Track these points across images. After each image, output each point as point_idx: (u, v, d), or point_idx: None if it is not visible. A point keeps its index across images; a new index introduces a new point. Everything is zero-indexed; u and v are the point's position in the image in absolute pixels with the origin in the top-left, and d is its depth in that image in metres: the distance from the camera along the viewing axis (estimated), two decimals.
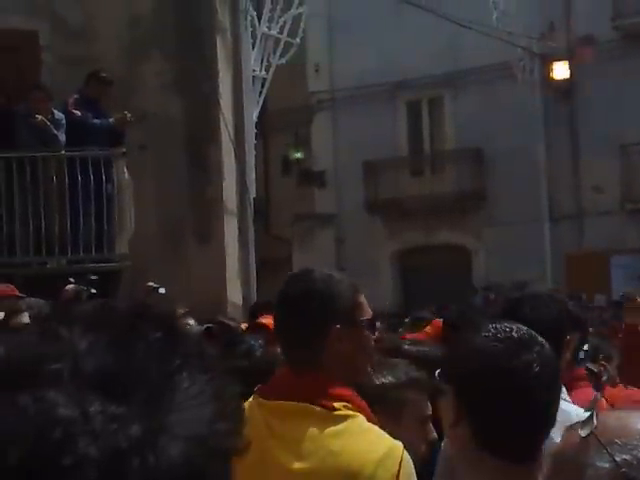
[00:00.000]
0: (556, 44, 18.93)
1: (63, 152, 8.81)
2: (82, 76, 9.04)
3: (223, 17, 10.87)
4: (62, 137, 8.78)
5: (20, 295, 5.85)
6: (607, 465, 1.08)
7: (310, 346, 2.18)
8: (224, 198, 10.44)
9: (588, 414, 1.15)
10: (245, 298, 10.33)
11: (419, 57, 19.54)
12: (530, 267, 18.99)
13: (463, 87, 20.20)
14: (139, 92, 9.99)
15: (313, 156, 21.98)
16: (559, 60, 18.90)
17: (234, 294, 10.30)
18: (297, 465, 2.07)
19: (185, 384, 0.69)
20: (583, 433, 1.12)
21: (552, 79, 19.03)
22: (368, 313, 2.29)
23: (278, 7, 11.48)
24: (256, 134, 11.49)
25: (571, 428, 1.18)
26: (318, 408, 2.11)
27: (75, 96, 9.04)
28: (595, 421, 1.12)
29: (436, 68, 19.58)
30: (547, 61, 19.02)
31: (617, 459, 1.07)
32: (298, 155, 22.03)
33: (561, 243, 19.43)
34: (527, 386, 1.75)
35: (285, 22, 11.64)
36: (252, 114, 11.09)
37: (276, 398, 2.17)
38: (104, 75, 9.01)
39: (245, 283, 10.66)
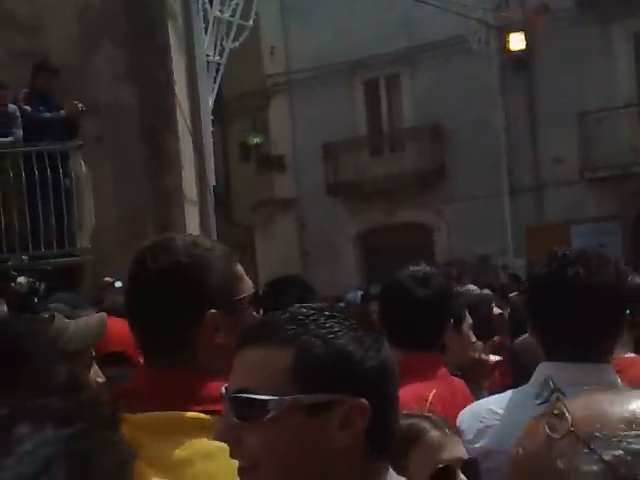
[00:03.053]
0: (511, 15, 19.06)
1: (19, 148, 8.90)
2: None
3: (174, 2, 10.97)
4: (19, 132, 8.87)
5: None
6: (595, 467, 0.89)
7: (180, 339, 1.74)
8: (183, 187, 10.56)
9: (551, 410, 0.95)
10: None
11: (374, 35, 19.64)
12: (491, 241, 19.31)
13: (419, 63, 20.33)
14: (92, 83, 10.05)
15: (272, 140, 22.00)
16: (515, 31, 19.09)
17: None
18: None
19: None
20: (557, 434, 0.92)
21: (508, 50, 19.24)
22: (249, 287, 1.84)
23: None
24: (213, 120, 11.63)
25: (529, 429, 0.97)
26: (198, 416, 1.69)
27: (25, 91, 9.11)
28: (569, 416, 0.92)
29: (392, 45, 19.68)
30: (503, 32, 19.21)
31: (606, 457, 0.88)
32: (256, 140, 22.07)
33: (521, 215, 19.68)
34: None
35: (237, 5, 11.74)
36: (208, 100, 11.21)
37: (141, 409, 1.67)
38: (48, 65, 9.07)
39: None
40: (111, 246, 9.63)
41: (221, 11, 11.51)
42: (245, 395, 1.28)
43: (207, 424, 1.65)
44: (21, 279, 8.03)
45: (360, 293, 8.30)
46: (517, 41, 19.29)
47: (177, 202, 10.49)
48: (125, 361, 3.01)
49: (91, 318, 2.90)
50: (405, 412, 2.03)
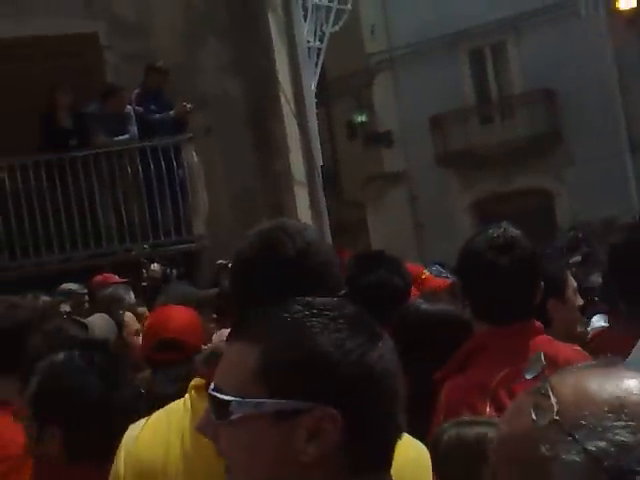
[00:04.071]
0: None
1: (135, 145, 9.51)
2: (144, 70, 9.63)
3: None
4: (134, 130, 9.47)
5: (123, 281, 6.51)
6: (577, 458, 0.85)
7: None
8: (292, 170, 10.95)
9: (538, 391, 0.90)
10: None
11: (477, 4, 19.75)
12: (616, 202, 18.99)
13: (526, 29, 20.31)
14: (199, 77, 10.51)
15: (377, 117, 22.34)
16: None
17: None
18: None
19: None
20: (541, 421, 0.88)
21: (618, 10, 18.91)
22: None
23: None
24: (317, 102, 11.99)
25: (518, 407, 0.93)
26: None
27: (137, 91, 9.63)
28: (554, 401, 0.88)
29: (496, 13, 19.77)
30: None
31: (590, 448, 0.85)
32: (362, 118, 22.45)
33: None
34: None
35: None
36: (311, 84, 11.60)
37: None
38: (160, 65, 9.58)
39: None
40: (226, 231, 10.08)
41: None
42: (214, 393, 1.20)
43: None
44: (155, 266, 8.48)
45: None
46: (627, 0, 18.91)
47: (287, 185, 10.88)
48: (178, 349, 3.17)
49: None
50: (468, 417, 1.78)
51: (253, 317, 1.25)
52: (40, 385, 2.13)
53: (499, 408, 2.26)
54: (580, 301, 3.07)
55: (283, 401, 1.15)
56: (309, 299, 1.24)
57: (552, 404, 0.88)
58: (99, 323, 4.03)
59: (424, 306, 2.91)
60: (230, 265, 1.85)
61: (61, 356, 2.18)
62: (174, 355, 3.16)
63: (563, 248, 17.68)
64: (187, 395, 1.83)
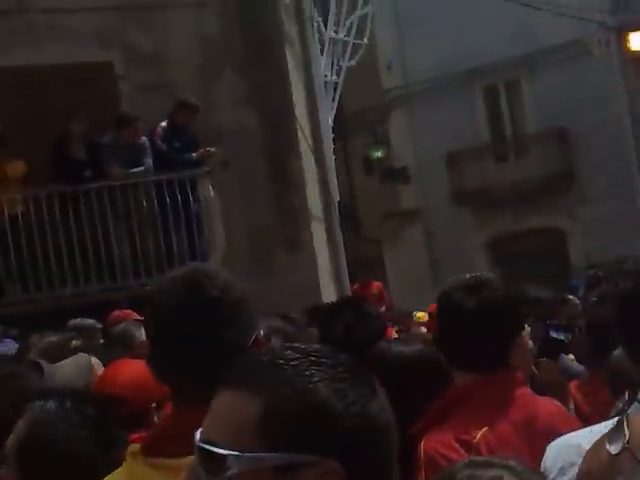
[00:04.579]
0: (629, 15, 18.89)
1: (151, 177, 9.32)
2: (159, 101, 9.44)
3: (290, 27, 11.29)
4: (149, 162, 9.27)
5: (141, 318, 6.26)
6: None
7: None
8: (309, 205, 10.81)
9: (615, 425, 0.92)
10: None
11: (491, 42, 19.82)
12: (632, 242, 18.85)
13: (539, 67, 20.43)
14: (215, 110, 10.36)
15: (393, 153, 22.42)
16: (635, 30, 18.81)
17: (330, 299, 10.53)
18: None
19: None
20: (614, 449, 0.91)
21: (630, 50, 18.99)
22: None
23: (343, 9, 11.85)
24: (334, 137, 11.89)
25: (597, 444, 0.95)
26: None
27: (163, 124, 9.30)
28: (627, 432, 0.90)
29: (510, 51, 19.87)
30: (622, 33, 19.00)
31: None
32: (378, 154, 22.52)
33: None
34: None
35: (352, 24, 12.02)
36: (327, 119, 11.50)
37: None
38: (192, 102, 9.29)
39: (339, 287, 11.01)
40: (241, 266, 9.90)
41: (336, 32, 11.81)
42: (207, 447, 1.12)
43: None
44: None
45: None
46: (638, 40, 18.97)
47: (303, 220, 10.74)
48: (124, 405, 2.91)
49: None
50: (482, 458, 1.68)
51: (244, 364, 1.19)
52: (27, 434, 1.98)
53: None
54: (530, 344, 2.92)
55: (287, 455, 1.10)
56: (302, 345, 1.19)
57: (625, 434, 0.88)
58: (68, 369, 3.82)
59: (396, 347, 2.90)
60: (152, 316, 1.87)
61: (52, 405, 2.04)
62: (120, 411, 2.86)
63: (579, 287, 17.48)
64: (125, 462, 1.80)
